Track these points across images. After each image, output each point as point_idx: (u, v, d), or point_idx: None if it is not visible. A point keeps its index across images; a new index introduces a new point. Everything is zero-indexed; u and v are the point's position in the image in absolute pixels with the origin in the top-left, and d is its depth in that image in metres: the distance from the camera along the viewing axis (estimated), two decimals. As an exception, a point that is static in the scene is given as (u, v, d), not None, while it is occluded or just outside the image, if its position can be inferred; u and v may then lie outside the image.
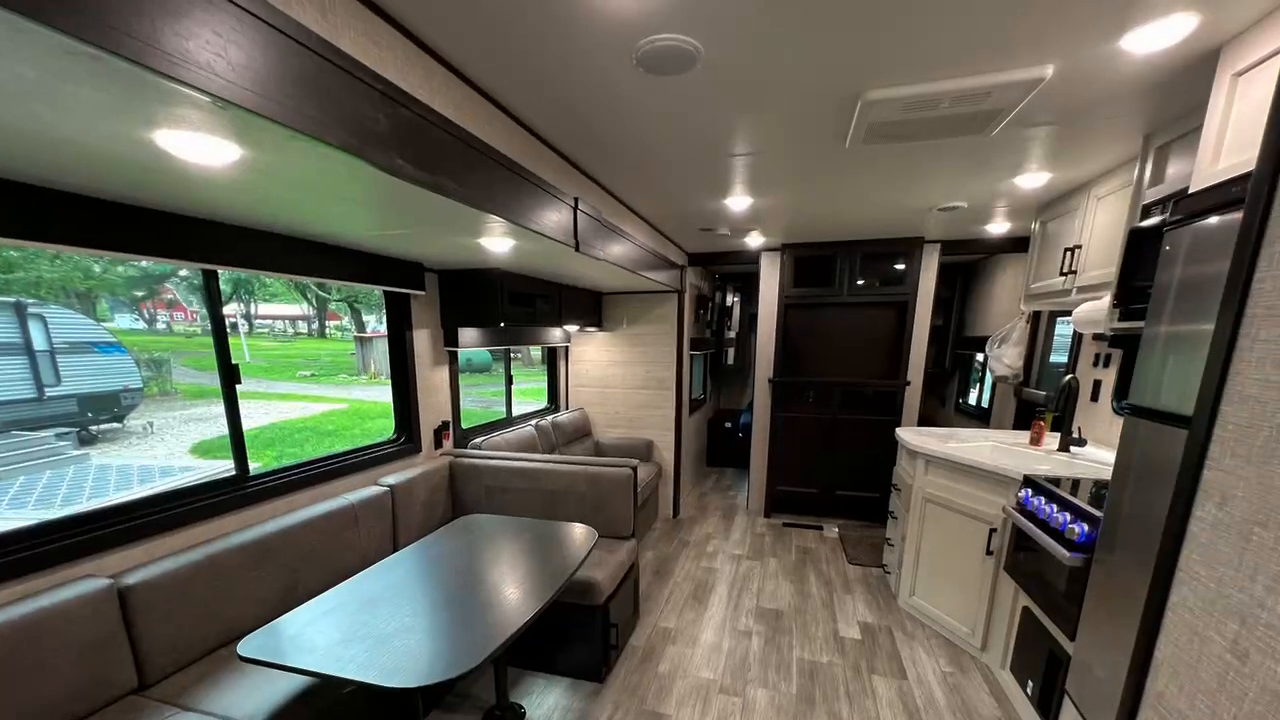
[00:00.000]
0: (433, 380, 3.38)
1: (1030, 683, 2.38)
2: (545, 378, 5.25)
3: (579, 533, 2.58)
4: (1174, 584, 1.37)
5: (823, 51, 1.61)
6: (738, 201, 3.25)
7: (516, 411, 4.52)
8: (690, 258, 5.12)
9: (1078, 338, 3.39)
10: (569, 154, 2.48)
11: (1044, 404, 3.69)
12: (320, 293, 17.37)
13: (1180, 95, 1.89)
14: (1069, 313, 2.92)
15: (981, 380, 5.40)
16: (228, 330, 2.32)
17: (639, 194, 3.14)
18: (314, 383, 14.28)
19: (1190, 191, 1.69)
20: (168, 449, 8.29)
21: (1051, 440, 3.14)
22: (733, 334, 7.15)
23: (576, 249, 2.47)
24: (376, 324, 16.61)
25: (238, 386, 2.33)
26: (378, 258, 2.79)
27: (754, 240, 4.56)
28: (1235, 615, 1.18)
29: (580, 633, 2.72)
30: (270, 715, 1.75)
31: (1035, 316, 4.19)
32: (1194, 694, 1.29)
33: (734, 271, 6.64)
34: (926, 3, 1.38)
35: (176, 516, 2.07)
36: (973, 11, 1.42)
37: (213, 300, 2.23)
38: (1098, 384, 3.13)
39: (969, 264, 5.63)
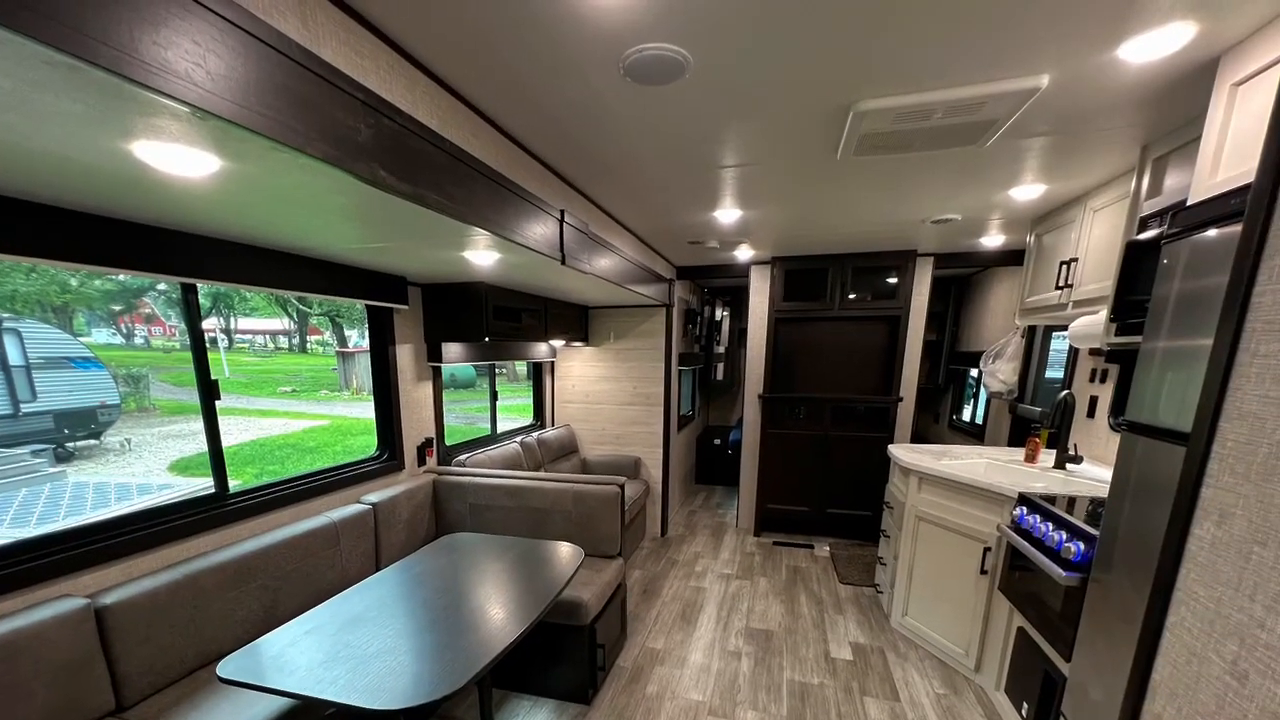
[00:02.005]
0: (416, 396, 3.33)
1: (1025, 705, 2.34)
2: (531, 393, 5.18)
3: (565, 551, 2.54)
4: (1172, 604, 1.36)
5: (813, 61, 1.60)
6: (727, 214, 3.25)
7: (501, 428, 4.46)
8: (679, 271, 5.11)
9: (1074, 353, 3.37)
10: (555, 165, 2.47)
11: (1039, 420, 3.69)
12: (301, 307, 17.23)
13: (1178, 106, 1.89)
14: (1065, 327, 2.92)
15: (976, 396, 5.41)
16: (207, 345, 2.28)
17: (627, 206, 3.13)
18: (295, 399, 14.08)
19: (1188, 204, 1.68)
20: (146, 466, 8.14)
21: (1047, 457, 3.13)
22: (722, 349, 7.14)
23: (563, 262, 2.45)
24: (359, 339, 16.48)
25: (217, 402, 2.29)
26: (360, 271, 2.76)
27: (743, 253, 4.56)
28: (1234, 636, 1.16)
29: (566, 653, 2.66)
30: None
31: (1030, 331, 4.19)
32: (1192, 716, 1.27)
33: (723, 285, 6.64)
34: (919, 11, 1.38)
35: (155, 535, 2.02)
36: (966, 21, 1.42)
37: (191, 314, 2.20)
38: (1094, 400, 3.11)
39: (963, 277, 5.64)
